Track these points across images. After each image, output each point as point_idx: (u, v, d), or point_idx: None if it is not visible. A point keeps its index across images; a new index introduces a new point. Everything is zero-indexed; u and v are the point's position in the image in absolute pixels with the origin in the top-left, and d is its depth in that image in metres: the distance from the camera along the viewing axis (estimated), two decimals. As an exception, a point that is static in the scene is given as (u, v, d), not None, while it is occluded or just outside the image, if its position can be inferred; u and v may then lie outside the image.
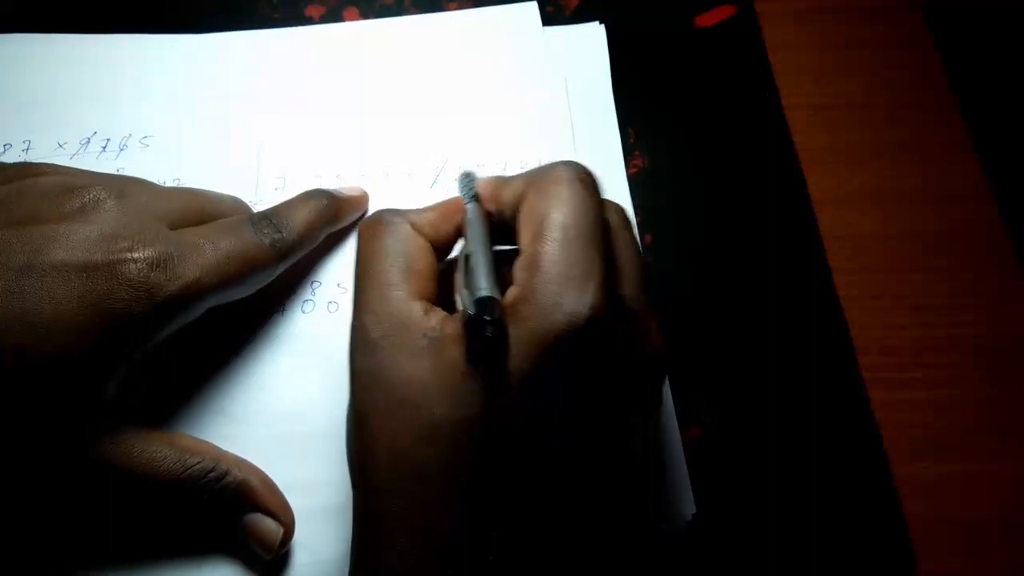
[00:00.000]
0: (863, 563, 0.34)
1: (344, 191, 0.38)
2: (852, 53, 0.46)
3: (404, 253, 0.29)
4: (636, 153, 0.43)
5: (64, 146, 0.41)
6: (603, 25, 0.46)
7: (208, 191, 0.37)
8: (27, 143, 0.41)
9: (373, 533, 0.27)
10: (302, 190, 0.38)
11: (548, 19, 0.46)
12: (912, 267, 0.41)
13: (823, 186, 0.42)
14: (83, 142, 0.42)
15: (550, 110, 0.42)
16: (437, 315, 0.28)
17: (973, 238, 0.41)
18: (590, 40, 0.45)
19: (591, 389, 0.26)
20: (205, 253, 0.31)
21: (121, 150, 0.41)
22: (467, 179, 0.32)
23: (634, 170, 0.42)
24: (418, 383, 0.26)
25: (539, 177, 0.29)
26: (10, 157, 0.41)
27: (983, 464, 0.36)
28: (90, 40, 0.45)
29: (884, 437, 0.37)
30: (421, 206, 0.32)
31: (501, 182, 0.31)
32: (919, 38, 0.47)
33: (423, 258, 0.30)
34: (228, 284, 0.32)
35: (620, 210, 0.30)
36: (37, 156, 0.41)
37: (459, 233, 0.32)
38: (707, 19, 0.47)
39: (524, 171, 0.31)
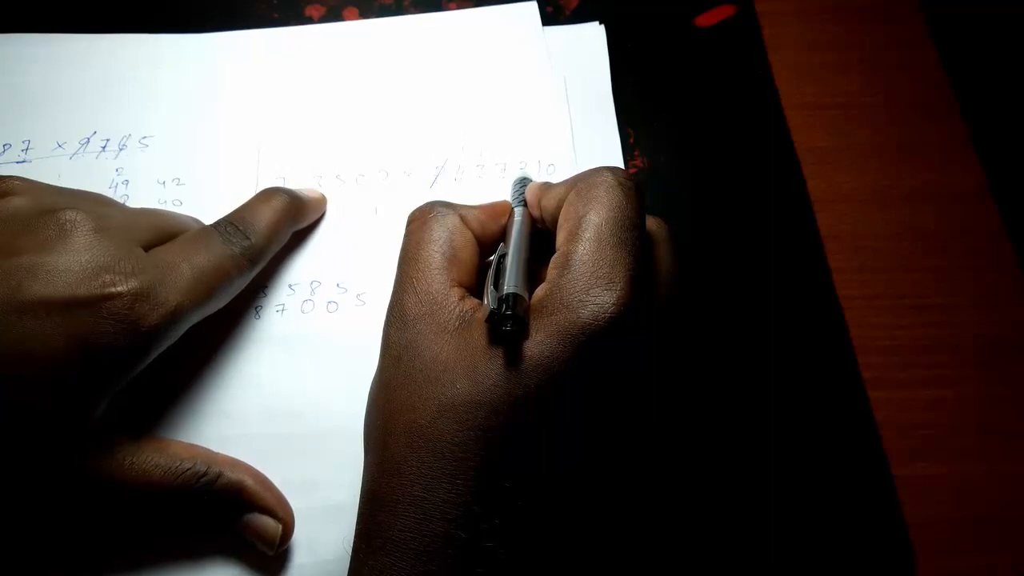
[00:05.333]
0: (863, 563, 0.34)
1: (303, 191, 0.39)
2: (852, 53, 0.46)
3: (450, 241, 0.31)
4: (636, 153, 0.43)
5: (64, 146, 0.41)
6: (603, 25, 0.46)
7: (166, 211, 0.37)
8: (27, 143, 0.41)
9: (380, 504, 0.27)
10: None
11: (548, 19, 0.46)
12: (912, 267, 0.41)
13: (823, 186, 0.42)
14: (83, 142, 0.42)
15: (550, 110, 0.42)
16: (472, 301, 0.29)
17: (973, 238, 0.41)
18: (590, 40, 0.45)
19: (608, 387, 0.27)
20: (183, 274, 0.32)
21: (120, 150, 0.41)
22: (520, 184, 0.34)
23: (634, 170, 0.42)
24: (443, 360, 0.27)
25: (580, 180, 0.30)
26: (10, 157, 0.41)
27: (983, 464, 0.36)
28: (90, 40, 0.45)
29: (884, 437, 0.37)
30: (471, 204, 0.33)
31: (545, 188, 0.32)
32: (919, 38, 0.47)
33: (467, 249, 0.31)
34: (207, 301, 0.33)
35: (662, 224, 0.31)
36: (37, 156, 0.41)
37: (504, 234, 0.33)
38: (707, 19, 0.47)
39: (568, 176, 0.31)
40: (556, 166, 0.41)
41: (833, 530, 0.35)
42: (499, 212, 0.33)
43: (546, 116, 0.42)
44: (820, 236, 0.41)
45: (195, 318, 0.33)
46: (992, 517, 0.36)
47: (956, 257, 0.41)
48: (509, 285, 0.27)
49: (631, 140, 0.43)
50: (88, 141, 0.42)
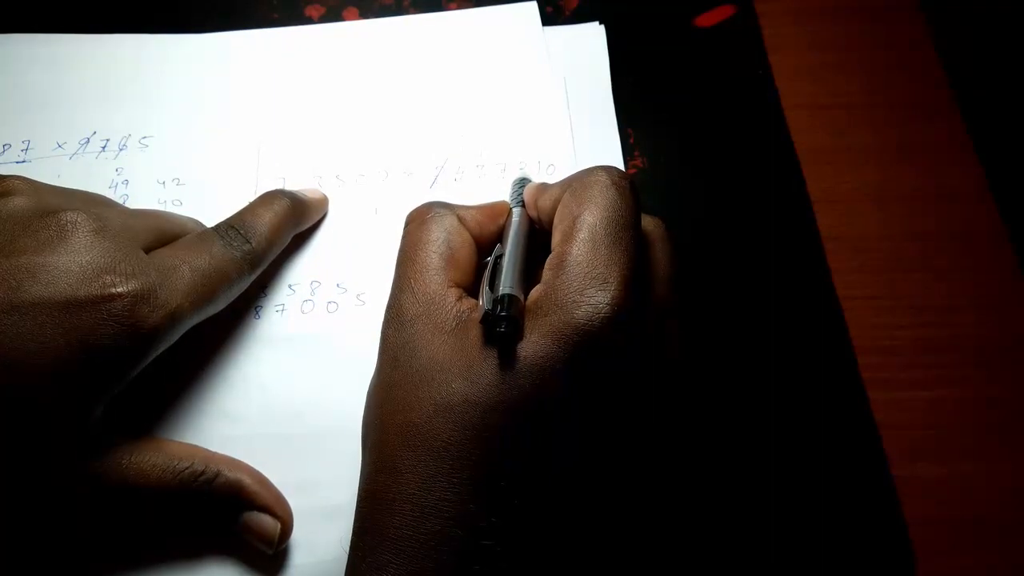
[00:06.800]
0: (863, 563, 0.34)
1: (305, 192, 0.39)
2: (852, 53, 0.46)
3: (448, 242, 0.31)
4: (636, 153, 0.43)
5: (63, 146, 0.41)
6: (603, 25, 0.46)
7: (166, 212, 0.37)
8: (27, 143, 0.41)
9: (377, 502, 0.27)
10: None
11: (548, 19, 0.46)
12: (912, 267, 0.41)
13: (823, 186, 0.42)
14: (82, 142, 0.42)
15: (550, 110, 0.42)
16: (469, 302, 0.29)
17: (973, 238, 0.41)
18: (590, 40, 0.45)
19: (603, 388, 0.27)
20: (184, 277, 0.32)
21: (120, 150, 0.41)
22: (518, 185, 0.34)
23: (634, 170, 0.42)
24: (440, 361, 0.27)
25: (575, 180, 0.30)
26: (10, 157, 0.41)
27: (983, 464, 0.36)
28: (90, 40, 0.45)
29: (884, 437, 0.37)
30: (469, 204, 0.33)
31: (541, 189, 0.32)
32: (919, 38, 0.47)
33: (465, 249, 0.31)
34: (207, 304, 0.33)
35: (659, 223, 0.31)
36: (36, 156, 0.41)
37: (501, 235, 0.33)
38: (707, 19, 0.47)
39: (564, 177, 0.31)
40: (556, 166, 0.41)
41: (833, 530, 0.35)
42: (497, 212, 0.33)
43: (546, 116, 0.42)
44: (820, 236, 0.41)
45: (194, 320, 0.33)
46: (992, 517, 0.35)
47: (956, 257, 0.41)
48: (504, 286, 0.27)
49: (631, 140, 0.43)
50: (88, 141, 0.42)
